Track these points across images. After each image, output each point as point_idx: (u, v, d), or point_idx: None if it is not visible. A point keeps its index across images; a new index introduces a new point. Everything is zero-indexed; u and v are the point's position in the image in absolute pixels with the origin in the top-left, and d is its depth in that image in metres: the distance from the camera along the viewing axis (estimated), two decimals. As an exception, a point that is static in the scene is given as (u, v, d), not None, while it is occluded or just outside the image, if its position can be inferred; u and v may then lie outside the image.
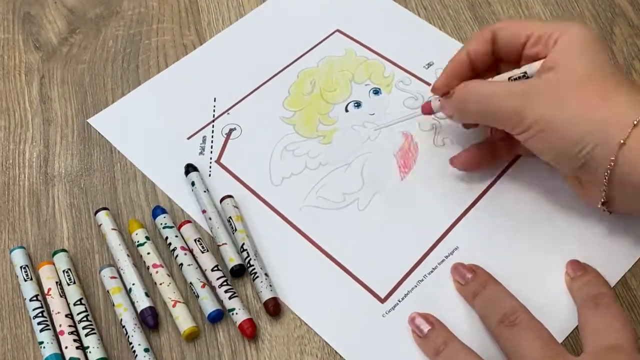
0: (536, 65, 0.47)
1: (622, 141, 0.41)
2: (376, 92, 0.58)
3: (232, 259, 0.48)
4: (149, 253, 0.49)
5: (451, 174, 0.53)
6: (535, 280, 0.47)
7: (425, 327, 0.44)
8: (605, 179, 0.43)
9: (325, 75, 0.60)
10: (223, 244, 0.49)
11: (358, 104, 0.57)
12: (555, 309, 0.46)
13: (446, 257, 0.49)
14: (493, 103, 0.46)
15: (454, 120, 0.52)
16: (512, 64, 0.49)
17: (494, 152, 0.52)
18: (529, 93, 0.44)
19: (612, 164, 0.42)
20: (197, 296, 0.47)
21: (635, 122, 0.41)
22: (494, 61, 0.50)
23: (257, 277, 0.47)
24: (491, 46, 0.49)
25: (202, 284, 0.47)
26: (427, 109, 0.53)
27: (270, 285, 0.47)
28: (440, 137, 0.55)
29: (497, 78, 0.49)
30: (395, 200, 0.52)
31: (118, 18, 0.65)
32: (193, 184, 0.52)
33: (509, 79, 0.48)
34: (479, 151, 0.52)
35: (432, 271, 0.48)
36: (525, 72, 0.47)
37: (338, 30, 0.62)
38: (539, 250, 0.49)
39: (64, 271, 0.49)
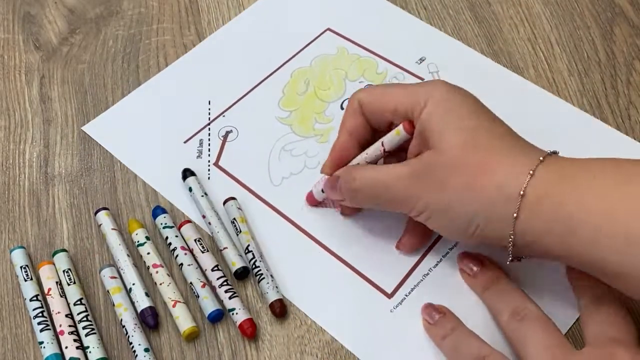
0: (394, 137, 0.45)
1: (514, 215, 0.40)
2: None
3: (235, 263, 0.48)
4: (148, 253, 0.49)
5: None
6: (536, 270, 0.47)
7: (436, 315, 0.45)
8: (510, 248, 0.41)
9: (319, 74, 0.60)
10: (224, 248, 0.49)
11: None
12: (557, 301, 0.46)
13: (450, 249, 0.49)
14: (383, 192, 0.44)
15: (344, 204, 0.49)
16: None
17: (426, 230, 0.47)
18: (413, 178, 0.43)
19: (512, 237, 0.40)
20: (197, 296, 0.47)
21: (521, 193, 0.39)
22: (373, 131, 0.47)
23: (263, 278, 0.47)
24: (364, 119, 0.47)
25: (202, 283, 0.47)
26: (311, 200, 0.51)
27: (276, 287, 0.47)
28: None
29: (357, 159, 0.47)
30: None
31: (118, 18, 0.65)
32: (191, 189, 0.52)
33: (365, 157, 0.46)
34: (416, 231, 0.49)
35: (437, 264, 0.48)
36: (384, 150, 0.46)
37: (329, 29, 0.63)
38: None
39: (64, 271, 0.49)
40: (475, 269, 0.47)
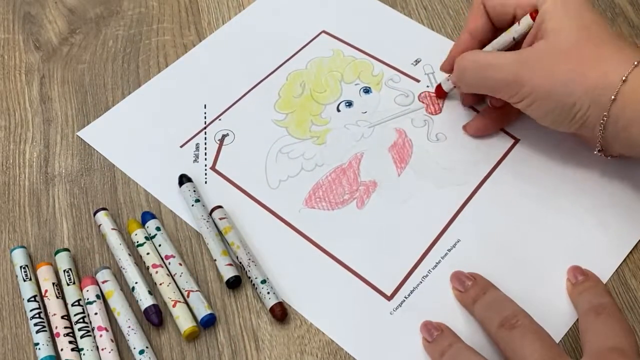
0: (521, 28, 0.48)
1: (612, 97, 0.44)
2: (366, 90, 0.58)
3: (223, 276, 0.48)
4: (148, 253, 0.49)
5: (448, 167, 0.53)
6: (536, 270, 0.47)
7: (435, 332, 0.44)
8: (600, 132, 0.45)
9: (315, 76, 0.60)
10: (214, 260, 0.49)
11: (349, 104, 0.57)
12: (556, 301, 0.46)
13: (449, 250, 0.49)
14: (489, 73, 0.48)
15: (461, 90, 0.55)
16: None
17: (499, 117, 0.54)
18: (521, 64, 0.47)
19: (605, 119, 0.44)
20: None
21: (623, 79, 0.43)
22: (496, 31, 0.51)
23: (256, 288, 0.47)
24: (487, 18, 0.51)
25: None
26: (439, 91, 0.56)
27: (268, 293, 0.47)
28: (434, 133, 0.55)
29: (488, 47, 0.51)
30: (394, 197, 0.52)
31: (118, 18, 0.65)
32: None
33: (493, 48, 0.50)
34: (486, 117, 0.54)
35: (436, 266, 0.48)
36: (514, 38, 0.49)
37: (324, 32, 0.63)
38: (539, 238, 0.49)
39: (64, 271, 0.49)
40: (468, 283, 0.46)
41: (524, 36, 0.49)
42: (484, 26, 0.51)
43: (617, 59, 0.45)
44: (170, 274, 0.48)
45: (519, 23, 0.49)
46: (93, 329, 0.46)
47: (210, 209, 0.51)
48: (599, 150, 0.47)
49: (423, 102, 0.57)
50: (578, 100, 0.45)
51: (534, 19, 0.48)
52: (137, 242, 0.50)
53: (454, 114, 0.56)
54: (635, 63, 0.44)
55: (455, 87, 0.55)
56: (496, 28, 0.51)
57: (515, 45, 0.50)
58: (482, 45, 0.51)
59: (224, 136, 0.57)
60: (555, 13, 0.46)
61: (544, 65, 0.46)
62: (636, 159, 0.48)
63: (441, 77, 0.57)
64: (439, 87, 0.56)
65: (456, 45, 0.52)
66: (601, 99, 0.44)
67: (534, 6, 0.48)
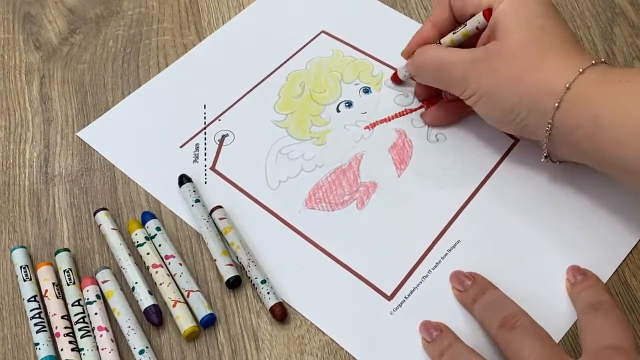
0: (470, 24, 0.49)
1: (556, 104, 0.44)
2: (366, 91, 0.58)
3: (223, 276, 0.48)
4: (148, 253, 0.49)
5: (448, 168, 0.53)
6: (536, 270, 0.48)
7: (434, 332, 0.44)
8: (546, 138, 0.46)
9: (314, 76, 0.60)
10: (214, 260, 0.49)
11: (349, 104, 0.57)
12: (556, 301, 0.46)
13: (449, 250, 0.49)
14: (443, 70, 0.50)
15: (416, 81, 0.55)
16: None
17: (455, 109, 0.55)
18: (471, 63, 0.48)
19: (549, 126, 0.45)
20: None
21: (567, 86, 0.44)
22: (456, 25, 0.52)
23: (256, 288, 0.48)
24: (450, 12, 0.52)
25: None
26: (395, 78, 0.58)
27: (268, 293, 0.47)
28: (434, 133, 0.55)
29: (445, 39, 0.52)
30: (394, 197, 0.52)
31: (118, 18, 0.65)
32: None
33: (451, 40, 0.51)
34: (442, 108, 0.55)
35: (436, 266, 0.48)
36: (464, 33, 0.50)
37: (323, 32, 0.63)
38: (539, 238, 0.49)
39: (64, 271, 0.49)
40: (467, 282, 0.46)
41: (475, 33, 0.50)
42: (446, 19, 0.52)
43: (562, 65, 0.45)
44: (170, 274, 0.48)
45: (475, 19, 0.49)
46: (93, 329, 0.46)
47: (210, 209, 0.51)
48: (545, 156, 0.48)
49: (422, 102, 0.57)
50: (517, 104, 0.46)
51: (486, 18, 0.48)
52: (137, 242, 0.50)
53: (454, 114, 0.56)
54: (580, 70, 0.44)
55: (410, 76, 0.56)
56: (457, 22, 0.52)
57: (470, 40, 0.51)
58: (441, 36, 0.52)
59: (223, 136, 0.57)
60: (508, 15, 0.47)
61: (490, 66, 0.47)
62: (582, 165, 0.47)
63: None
64: (395, 74, 0.58)
65: (418, 34, 0.54)
66: (540, 105, 0.45)
67: (490, 6, 0.48)
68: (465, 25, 0.50)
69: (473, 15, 0.50)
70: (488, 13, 0.48)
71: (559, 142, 0.46)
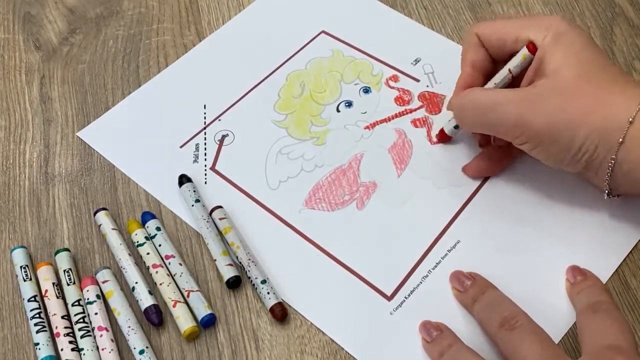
0: (517, 61, 0.47)
1: (620, 140, 0.42)
2: (366, 90, 0.58)
3: (223, 276, 0.48)
4: (148, 253, 0.49)
5: (448, 168, 0.53)
6: (536, 270, 0.47)
7: (434, 332, 0.44)
8: (608, 175, 0.44)
9: (314, 76, 0.60)
10: (214, 260, 0.49)
11: (349, 104, 0.57)
12: (556, 301, 0.46)
13: (449, 251, 0.49)
14: (490, 115, 0.46)
15: (464, 132, 0.52)
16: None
17: (502, 157, 0.52)
18: (523, 104, 0.45)
19: (612, 162, 0.43)
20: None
21: (630, 120, 0.42)
22: (496, 63, 0.50)
23: (256, 288, 0.48)
24: (485, 52, 0.49)
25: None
26: (443, 136, 0.54)
27: (268, 293, 0.47)
28: (434, 133, 0.55)
29: (489, 84, 0.49)
30: (394, 197, 0.52)
31: (118, 18, 0.65)
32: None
33: (495, 84, 0.49)
34: (486, 158, 0.52)
35: (435, 266, 0.48)
36: (510, 70, 0.48)
37: (323, 32, 0.63)
38: (538, 239, 0.49)
39: (64, 271, 0.49)
40: (467, 282, 0.46)
41: (522, 70, 0.47)
42: (485, 59, 0.49)
43: (623, 99, 0.43)
44: (170, 274, 0.48)
45: (520, 55, 0.47)
46: (93, 329, 0.46)
47: (210, 209, 0.51)
48: (607, 193, 0.46)
49: (423, 102, 0.57)
50: (585, 142, 0.43)
51: (531, 51, 0.46)
52: (137, 242, 0.50)
53: (454, 114, 0.56)
54: None
55: (459, 129, 0.52)
56: (495, 61, 0.50)
57: (514, 80, 0.48)
58: (486, 78, 0.50)
59: (223, 136, 0.57)
60: (556, 50, 0.45)
61: (547, 106, 0.44)
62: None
63: (441, 76, 0.57)
64: (442, 130, 0.54)
65: (460, 81, 0.50)
66: (609, 140, 0.43)
67: (530, 40, 0.46)
68: (511, 62, 0.48)
69: (511, 52, 0.48)
70: (533, 47, 0.46)
71: (623, 177, 0.44)
